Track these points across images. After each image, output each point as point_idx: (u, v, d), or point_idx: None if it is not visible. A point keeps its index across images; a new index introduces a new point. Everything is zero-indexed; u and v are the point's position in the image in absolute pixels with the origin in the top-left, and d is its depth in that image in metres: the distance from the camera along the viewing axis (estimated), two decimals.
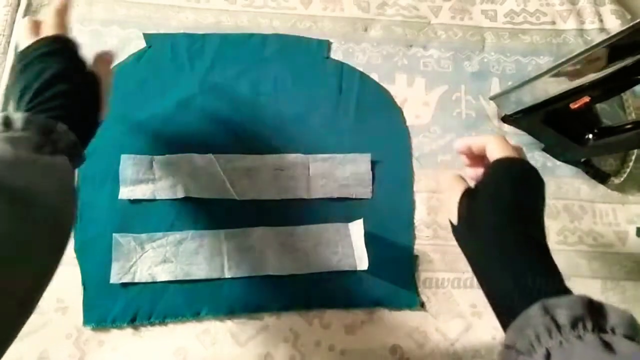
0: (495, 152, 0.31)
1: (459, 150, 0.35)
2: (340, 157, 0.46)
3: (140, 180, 0.44)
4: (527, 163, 0.31)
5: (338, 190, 0.45)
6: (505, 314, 0.27)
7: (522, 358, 0.25)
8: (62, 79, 0.32)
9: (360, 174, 0.46)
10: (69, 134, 0.31)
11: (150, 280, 0.41)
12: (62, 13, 0.36)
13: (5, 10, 0.50)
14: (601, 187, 0.48)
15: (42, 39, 0.34)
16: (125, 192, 0.43)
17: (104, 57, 0.38)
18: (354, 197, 0.45)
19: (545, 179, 0.48)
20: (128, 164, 0.44)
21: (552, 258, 0.28)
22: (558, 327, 0.24)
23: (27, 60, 0.33)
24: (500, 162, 0.31)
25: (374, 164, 0.46)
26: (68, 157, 0.30)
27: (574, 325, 0.24)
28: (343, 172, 0.46)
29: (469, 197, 0.31)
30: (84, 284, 0.41)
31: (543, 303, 0.25)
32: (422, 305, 0.42)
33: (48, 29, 0.35)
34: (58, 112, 0.31)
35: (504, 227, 0.29)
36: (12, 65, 0.42)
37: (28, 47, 0.34)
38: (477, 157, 0.34)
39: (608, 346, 0.23)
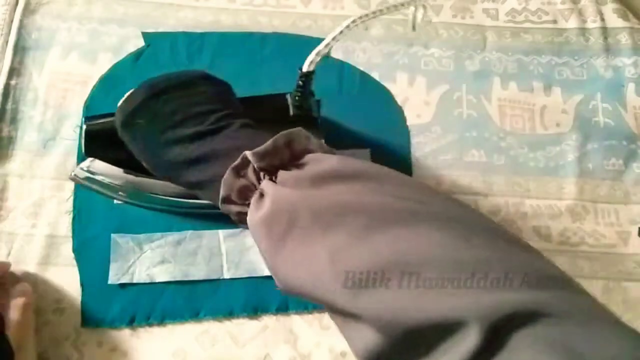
0: None
1: None
2: (338, 153, 0.46)
3: None
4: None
5: None
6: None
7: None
8: None
9: None
10: None
11: (148, 280, 0.41)
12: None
13: (3, 10, 0.49)
14: (604, 187, 0.47)
15: None
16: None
17: (19, 291, 0.38)
18: None
19: (548, 178, 0.47)
20: None
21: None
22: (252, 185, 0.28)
23: None
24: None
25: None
26: None
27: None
28: None
29: None
30: (82, 284, 0.41)
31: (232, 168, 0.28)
32: None
33: None
34: None
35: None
36: None
37: None
38: None
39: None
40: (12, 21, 0.49)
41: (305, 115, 0.39)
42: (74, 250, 0.42)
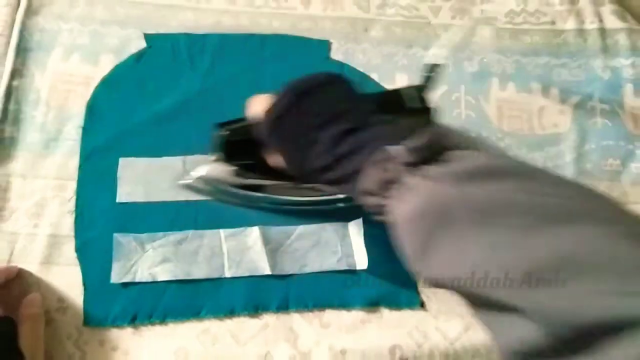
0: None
1: None
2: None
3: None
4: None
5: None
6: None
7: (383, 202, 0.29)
8: None
9: None
10: None
11: (150, 280, 0.41)
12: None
13: (4, 11, 0.50)
14: (602, 187, 0.47)
15: None
16: (123, 196, 0.44)
17: (30, 301, 0.39)
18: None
19: None
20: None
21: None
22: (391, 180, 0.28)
23: None
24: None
25: None
26: None
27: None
28: None
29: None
30: (84, 283, 0.41)
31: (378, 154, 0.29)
32: (422, 305, 0.42)
33: None
34: None
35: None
36: None
37: None
38: None
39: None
40: (13, 22, 0.49)
41: (422, 107, 0.41)
42: (76, 250, 0.42)
